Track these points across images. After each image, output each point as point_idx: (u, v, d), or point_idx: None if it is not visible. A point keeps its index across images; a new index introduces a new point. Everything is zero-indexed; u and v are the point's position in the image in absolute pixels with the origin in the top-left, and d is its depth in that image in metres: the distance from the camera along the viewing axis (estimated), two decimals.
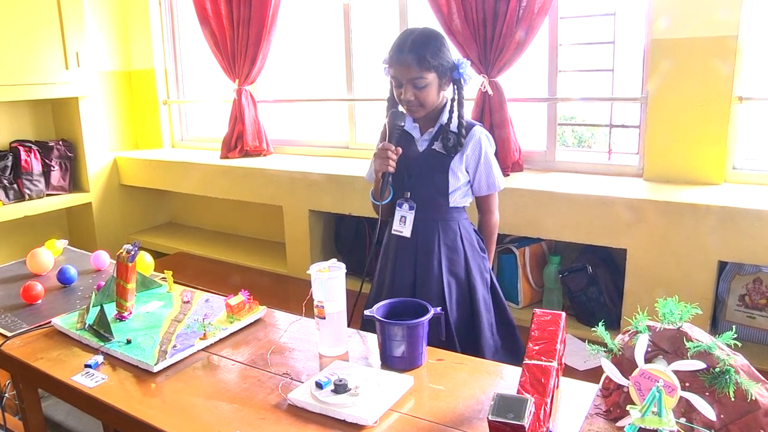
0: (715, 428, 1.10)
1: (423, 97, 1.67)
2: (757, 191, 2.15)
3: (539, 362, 1.17)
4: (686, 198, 2.10)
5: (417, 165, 1.74)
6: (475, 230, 1.84)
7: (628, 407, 1.01)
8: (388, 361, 1.45)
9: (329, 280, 1.48)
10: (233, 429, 1.18)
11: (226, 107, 3.60)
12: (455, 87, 1.73)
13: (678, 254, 2.05)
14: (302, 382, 1.37)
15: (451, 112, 1.72)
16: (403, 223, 1.76)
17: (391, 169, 1.71)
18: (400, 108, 1.75)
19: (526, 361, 1.18)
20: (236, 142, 3.52)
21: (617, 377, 1.16)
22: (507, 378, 1.40)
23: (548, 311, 1.29)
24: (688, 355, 1.15)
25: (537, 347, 1.20)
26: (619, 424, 1.17)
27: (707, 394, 1.12)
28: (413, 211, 1.75)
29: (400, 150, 1.71)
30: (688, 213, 2.04)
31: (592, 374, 1.93)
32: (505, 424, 0.90)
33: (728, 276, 2.11)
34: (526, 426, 0.88)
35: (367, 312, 1.47)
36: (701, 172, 2.25)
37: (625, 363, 1.21)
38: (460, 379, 1.40)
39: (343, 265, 1.52)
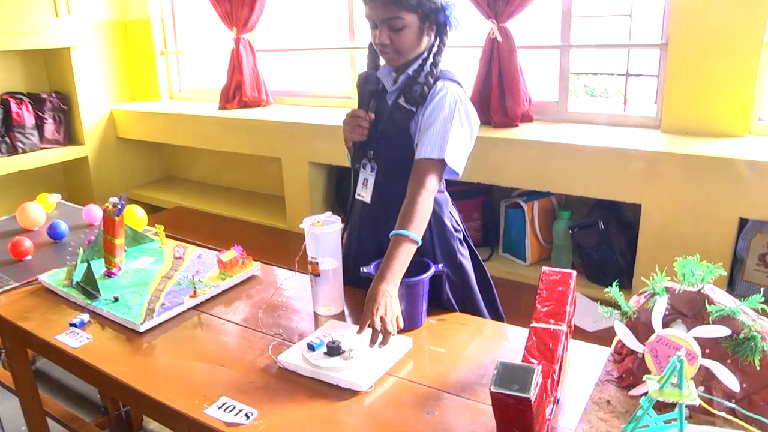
0: (736, 398, 1.02)
1: (400, 41, 1.41)
2: None
3: (547, 325, 1.08)
4: (707, 151, 1.97)
5: (381, 121, 1.49)
6: (451, 208, 1.56)
7: (644, 378, 0.93)
8: None
9: (323, 234, 1.39)
10: (219, 394, 1.11)
11: (224, 57, 3.45)
12: (437, 31, 1.45)
13: (696, 210, 1.94)
14: (294, 344, 1.30)
15: (424, 59, 1.45)
16: (365, 187, 1.54)
17: (362, 138, 1.49)
18: (381, 61, 1.52)
19: (533, 324, 1.09)
20: (234, 93, 3.38)
21: (632, 343, 1.08)
22: (512, 341, 1.32)
23: (557, 269, 1.19)
24: (710, 319, 1.06)
25: (545, 309, 1.11)
26: (633, 393, 1.10)
27: (728, 362, 1.03)
28: (374, 174, 1.53)
29: (372, 115, 1.47)
30: (708, 167, 1.91)
31: (603, 336, 1.84)
32: (508, 397, 0.82)
33: (748, 234, 2.00)
34: (533, 399, 0.80)
35: (364, 269, 1.38)
36: (724, 123, 2.11)
37: (640, 327, 1.12)
38: (462, 341, 1.33)
39: (338, 219, 1.43)
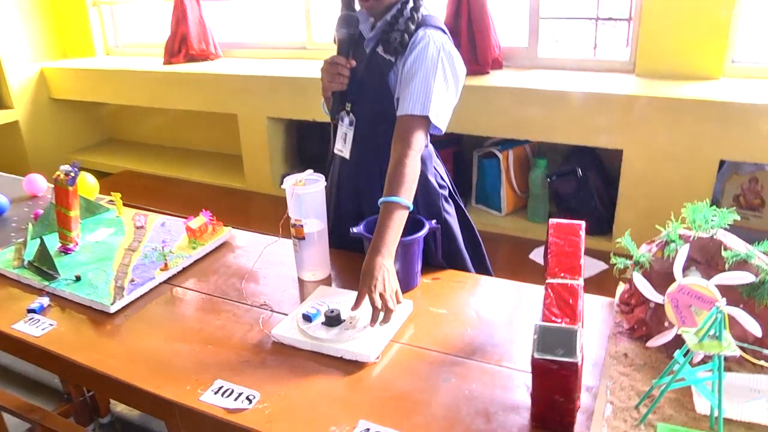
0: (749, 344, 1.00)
1: None
2: (758, 86, 2.01)
3: (564, 281, 1.02)
4: (686, 93, 1.94)
5: (359, 71, 1.37)
6: (436, 162, 1.46)
7: (680, 331, 0.89)
8: None
9: (307, 194, 1.27)
10: (212, 377, 1.01)
11: (166, 8, 3.16)
12: None
13: (678, 154, 1.92)
14: (285, 314, 1.20)
15: (404, 3, 1.32)
16: (344, 141, 1.43)
17: (341, 87, 1.36)
18: (357, 5, 1.37)
19: (550, 280, 1.03)
20: (180, 46, 3.12)
21: (650, 293, 1.03)
22: (512, 297, 1.26)
23: (565, 221, 1.13)
24: (726, 265, 1.03)
25: (559, 263, 1.05)
26: (650, 344, 1.06)
27: (742, 306, 1.01)
28: (353, 128, 1.41)
29: (353, 62, 1.34)
30: (690, 109, 1.89)
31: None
32: (553, 362, 0.75)
33: (724, 176, 2.01)
34: (580, 362, 0.74)
35: (354, 229, 1.28)
36: (699, 66, 2.08)
37: (654, 277, 1.08)
38: (462, 299, 1.26)
39: (322, 177, 1.31)
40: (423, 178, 1.41)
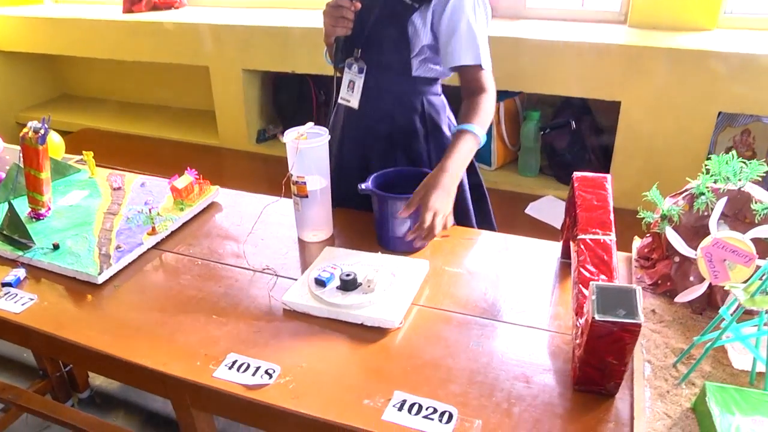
0: None
1: None
2: (753, 37, 1.97)
3: (596, 236, 0.97)
4: (684, 44, 1.89)
5: (371, 14, 1.29)
6: (449, 113, 1.42)
7: (727, 286, 0.85)
8: (390, 244, 1.21)
9: (309, 149, 1.17)
10: (224, 350, 0.92)
11: None
12: None
13: (676, 106, 1.87)
14: (291, 279, 1.11)
15: None
16: (351, 90, 1.36)
17: (346, 32, 1.27)
18: None
19: (581, 236, 0.97)
20: None
21: (683, 248, 0.99)
22: (529, 253, 1.21)
23: (589, 174, 1.07)
24: (756, 218, 0.99)
25: (589, 218, 0.99)
26: (679, 299, 1.02)
27: None
28: (363, 76, 1.33)
29: (358, 5, 1.25)
30: (688, 60, 1.83)
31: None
32: (614, 324, 0.70)
33: (718, 128, 1.98)
34: (642, 322, 0.69)
35: (362, 186, 1.20)
36: (692, 17, 2.02)
37: (682, 231, 1.04)
38: (477, 257, 1.20)
39: (325, 130, 1.21)
40: (436, 128, 1.37)
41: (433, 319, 1.01)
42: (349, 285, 1.02)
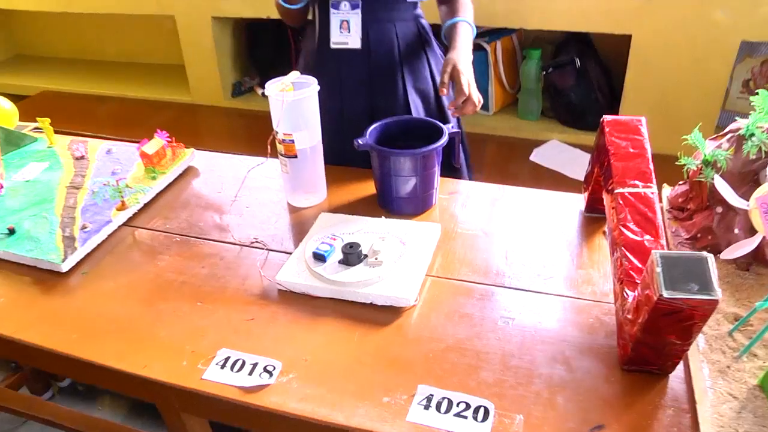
0: None
1: None
2: None
3: (636, 189, 0.84)
4: None
5: None
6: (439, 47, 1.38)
7: None
8: (393, 205, 1.07)
9: (298, 102, 1.01)
10: (213, 345, 0.79)
11: None
12: None
13: (694, 36, 1.70)
14: (285, 253, 0.98)
15: None
16: (346, 31, 1.24)
17: None
18: None
19: (619, 189, 0.84)
20: None
21: (734, 199, 0.86)
22: (549, 208, 1.08)
23: (621, 117, 0.93)
24: None
25: (626, 168, 0.86)
26: (726, 255, 0.90)
27: None
28: (358, 12, 1.21)
29: None
30: None
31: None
32: (687, 302, 0.57)
33: (736, 60, 1.82)
34: (720, 298, 0.56)
35: (359, 141, 1.05)
36: None
37: (727, 178, 0.91)
38: (491, 215, 1.07)
39: (313, 80, 1.05)
40: (433, 52, 1.33)
41: (451, 292, 0.88)
42: (352, 258, 0.89)
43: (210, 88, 2.53)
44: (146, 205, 1.14)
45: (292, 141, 1.04)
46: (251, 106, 2.50)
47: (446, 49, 1.20)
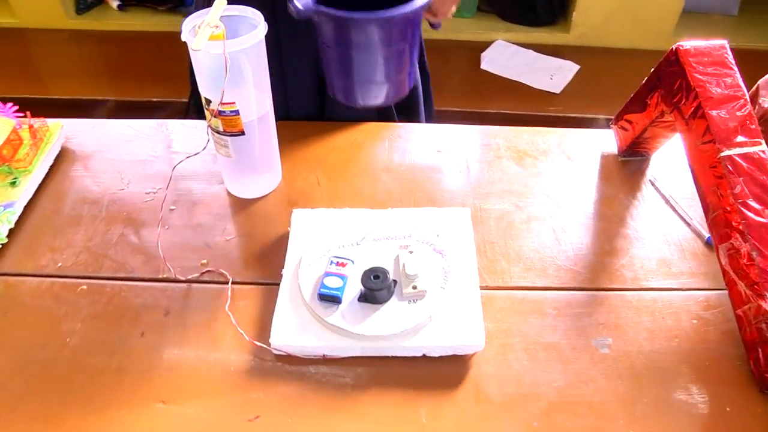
0: None
1: None
2: None
3: (745, 149, 0.63)
4: None
5: None
6: None
7: None
8: (354, 94, 0.75)
9: (243, 53, 0.65)
10: None
11: None
12: None
13: None
14: (261, 285, 0.67)
15: None
16: None
17: None
18: None
19: (726, 151, 0.63)
20: None
21: None
22: (579, 159, 0.86)
23: (699, 42, 0.70)
24: None
25: (727, 121, 0.65)
26: None
27: None
28: None
29: None
30: None
31: (573, 95, 1.43)
32: None
33: None
34: None
35: (297, 3, 0.67)
36: None
37: None
38: (511, 178, 0.82)
39: (255, 11, 0.68)
40: None
41: (515, 311, 0.65)
42: (382, 295, 0.60)
43: (44, 3, 1.87)
44: (13, 235, 0.74)
45: (237, 112, 0.69)
46: (106, 24, 1.90)
47: None
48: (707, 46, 0.69)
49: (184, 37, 0.64)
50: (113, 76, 1.69)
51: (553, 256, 0.71)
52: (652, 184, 0.82)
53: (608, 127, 0.88)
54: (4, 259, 0.71)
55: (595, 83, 1.52)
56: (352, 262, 0.63)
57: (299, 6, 0.66)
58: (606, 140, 0.88)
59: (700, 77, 0.67)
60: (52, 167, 0.83)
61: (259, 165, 0.78)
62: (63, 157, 0.85)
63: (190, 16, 0.66)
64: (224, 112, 0.68)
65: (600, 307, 0.66)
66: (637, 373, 0.59)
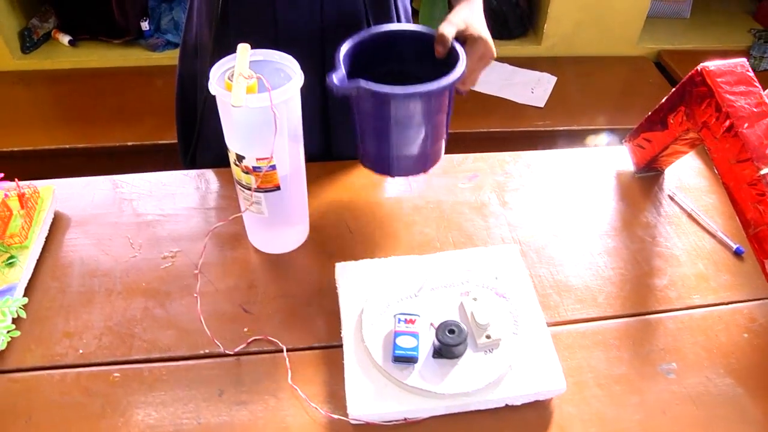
0: None
1: None
2: None
3: None
4: None
5: None
6: None
7: None
8: (391, 167, 0.72)
9: (287, 104, 0.60)
10: None
11: None
12: None
13: None
14: (318, 349, 0.63)
15: None
16: None
17: None
18: None
19: (765, 169, 0.65)
20: None
21: None
22: (594, 178, 0.86)
23: (722, 62, 0.71)
24: None
25: (761, 137, 0.67)
26: None
27: None
28: None
29: None
30: None
31: (555, 108, 1.42)
32: None
33: None
34: None
35: (335, 77, 0.63)
36: None
37: None
38: (533, 201, 0.82)
39: (291, 59, 0.64)
40: None
41: (580, 346, 0.64)
42: (459, 349, 0.58)
43: None
44: (15, 323, 0.65)
45: (274, 167, 0.64)
46: (58, 62, 1.73)
47: None
48: (729, 65, 0.71)
49: (213, 90, 0.59)
50: (72, 120, 1.53)
51: (600, 283, 0.71)
52: (672, 198, 0.84)
53: (596, 138, 0.89)
54: (12, 353, 0.62)
55: (572, 94, 1.53)
56: (419, 316, 0.60)
57: (336, 82, 0.63)
58: (617, 157, 0.90)
59: (730, 97, 0.69)
60: (47, 238, 0.75)
61: (293, 218, 0.74)
62: (57, 224, 0.77)
63: (216, 65, 0.61)
64: (259, 168, 0.64)
65: (656, 332, 0.66)
66: (708, 396, 0.60)
